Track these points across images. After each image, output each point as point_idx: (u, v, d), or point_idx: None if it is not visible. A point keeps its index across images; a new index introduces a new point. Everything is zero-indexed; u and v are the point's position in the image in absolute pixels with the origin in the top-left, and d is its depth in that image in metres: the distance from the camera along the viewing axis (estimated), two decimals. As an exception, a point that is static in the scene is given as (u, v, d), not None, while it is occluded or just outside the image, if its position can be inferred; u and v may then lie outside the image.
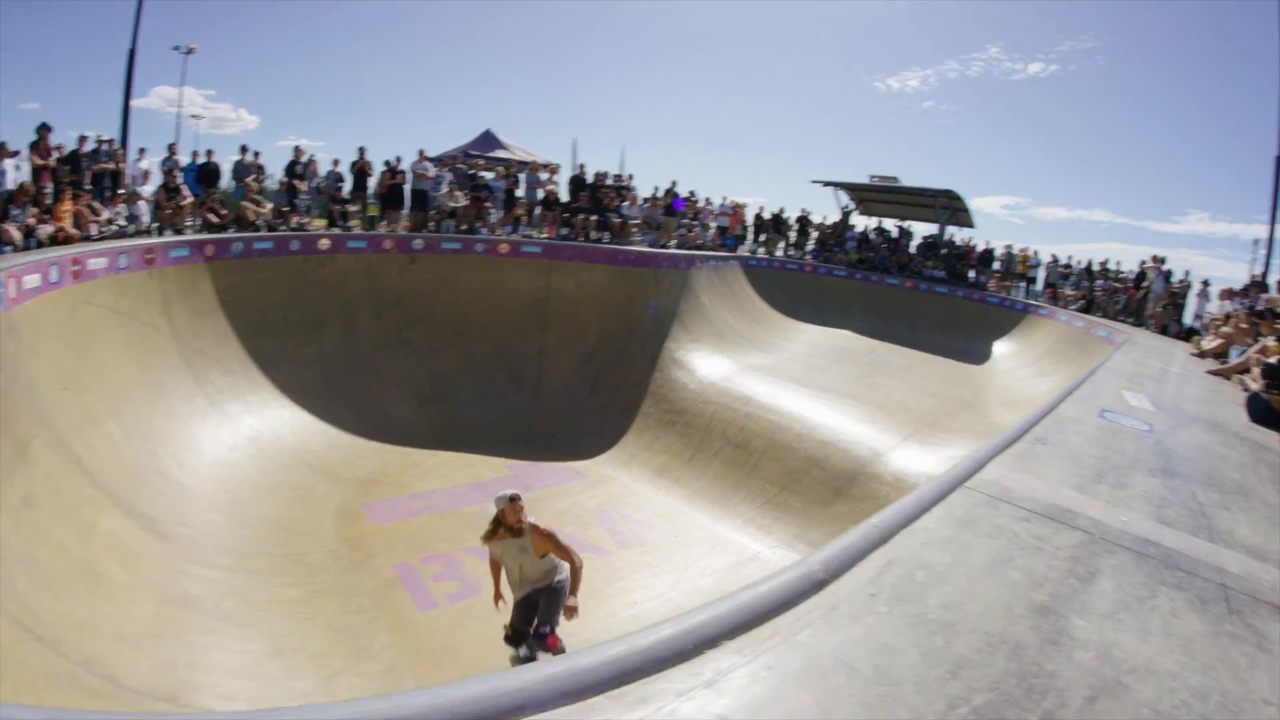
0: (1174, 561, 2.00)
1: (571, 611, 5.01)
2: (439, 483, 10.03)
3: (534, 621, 5.32)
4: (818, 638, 1.55)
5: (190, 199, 11.42)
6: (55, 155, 10.54)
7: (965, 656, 1.47)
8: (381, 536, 8.32)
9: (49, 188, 9.73)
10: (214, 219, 11.34)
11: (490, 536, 5.40)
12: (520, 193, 16.47)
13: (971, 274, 20.69)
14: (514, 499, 5.27)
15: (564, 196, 17.15)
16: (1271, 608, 1.83)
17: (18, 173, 9.82)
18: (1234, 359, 8.84)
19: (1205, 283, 16.40)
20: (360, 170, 14.39)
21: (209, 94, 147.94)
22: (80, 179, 10.52)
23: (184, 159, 12.45)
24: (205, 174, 12.38)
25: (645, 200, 18.87)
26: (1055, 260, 20.05)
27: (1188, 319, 16.10)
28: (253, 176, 12.93)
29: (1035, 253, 20.53)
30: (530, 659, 5.26)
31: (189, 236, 10.71)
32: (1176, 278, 16.84)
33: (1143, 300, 16.97)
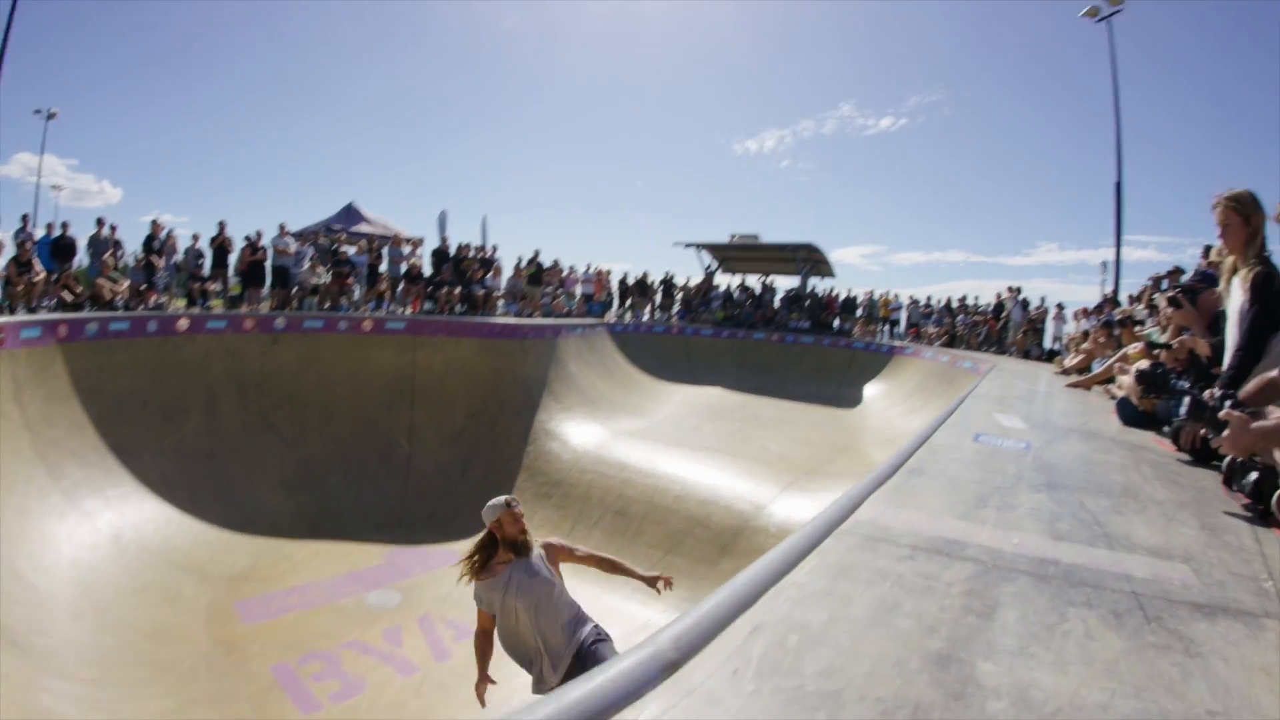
0: (1077, 577, 1.95)
1: (662, 580, 4.16)
2: (313, 575, 9.87)
3: None
4: (670, 734, 1.29)
5: (43, 274, 10.86)
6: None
7: (856, 731, 1.32)
8: (256, 636, 8.10)
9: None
10: (68, 297, 10.83)
11: (477, 570, 3.92)
12: (383, 268, 16.61)
13: (836, 322, 22.46)
14: (510, 503, 4.05)
15: (427, 270, 17.45)
16: (1189, 607, 1.82)
17: None
18: (1096, 371, 9.37)
19: (1060, 306, 18.15)
20: (220, 246, 14.09)
21: (72, 163, 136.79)
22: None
23: (38, 231, 11.82)
24: (60, 248, 11.80)
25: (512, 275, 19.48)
26: (915, 301, 22.08)
27: (1048, 342, 17.92)
28: (109, 252, 12.39)
29: (896, 296, 22.59)
30: None
31: (41, 316, 10.17)
32: (1033, 305, 18.56)
33: (1003, 329, 18.67)
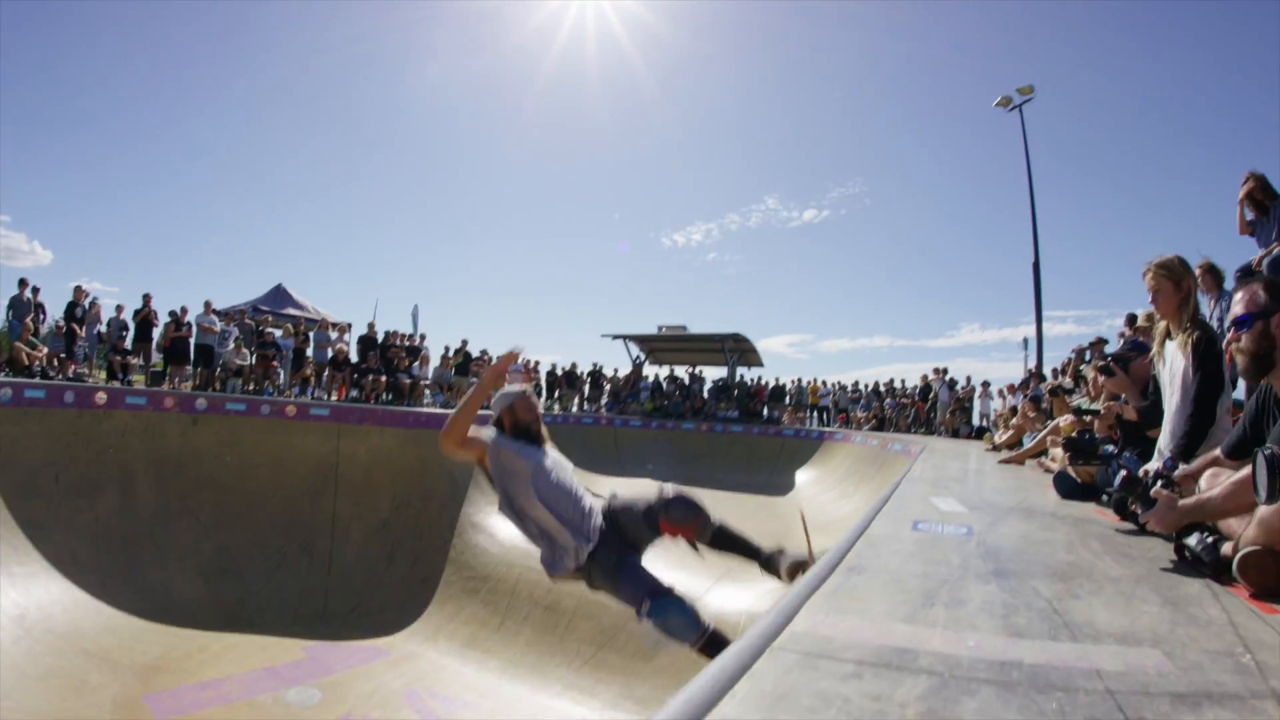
0: (1045, 680, 1.77)
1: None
2: (229, 669, 9.40)
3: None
4: None
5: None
6: None
7: None
8: (168, 732, 7.75)
9: None
10: (-16, 359, 10.38)
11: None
12: (310, 352, 16.49)
13: (765, 410, 22.96)
14: (525, 392, 4.25)
15: (354, 356, 17.39)
16: (1170, 698, 1.69)
17: None
18: (1028, 445, 9.54)
19: (986, 384, 18.85)
20: (145, 320, 13.75)
21: (3, 220, 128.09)
22: None
23: (-42, 287, 11.34)
24: (-21, 307, 11.33)
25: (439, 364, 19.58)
26: (843, 387, 22.78)
27: (976, 419, 18.50)
28: (30, 316, 11.94)
29: (824, 383, 23.33)
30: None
31: (-51, 379, 9.72)
32: (959, 384, 19.38)
33: (931, 410, 19.33)
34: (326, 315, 18.96)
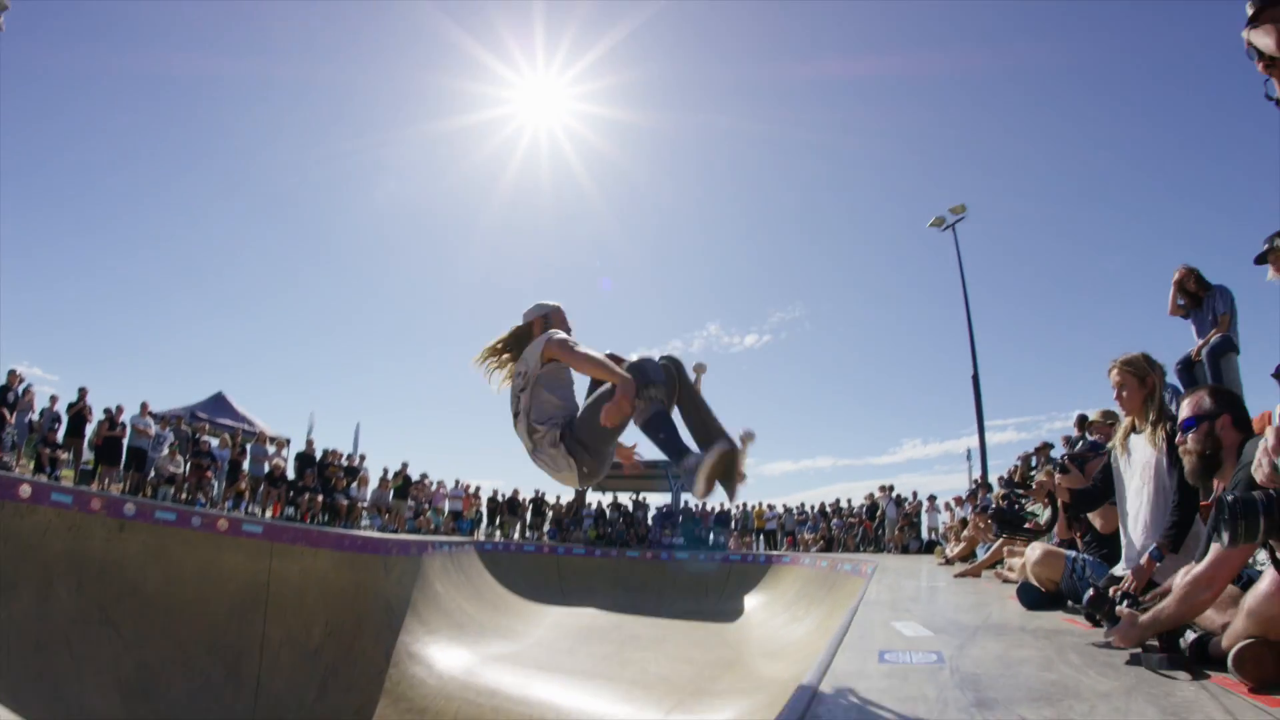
0: None
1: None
2: (142, 801, 8.46)
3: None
4: None
5: None
6: None
7: None
8: None
9: None
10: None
11: (500, 359, 4.16)
12: (246, 465, 15.84)
13: (710, 536, 22.67)
14: (560, 307, 4.25)
15: (291, 473, 16.76)
16: None
17: None
18: (981, 556, 9.72)
19: (932, 497, 19.29)
20: (79, 414, 13.06)
21: None
22: None
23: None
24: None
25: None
26: (789, 509, 22.74)
27: (925, 534, 18.53)
28: None
29: (769, 506, 23.25)
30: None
31: None
32: (906, 500, 19.56)
33: (879, 528, 19.35)
34: (265, 428, 18.39)
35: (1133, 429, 4.43)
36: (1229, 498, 2.46)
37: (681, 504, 24.84)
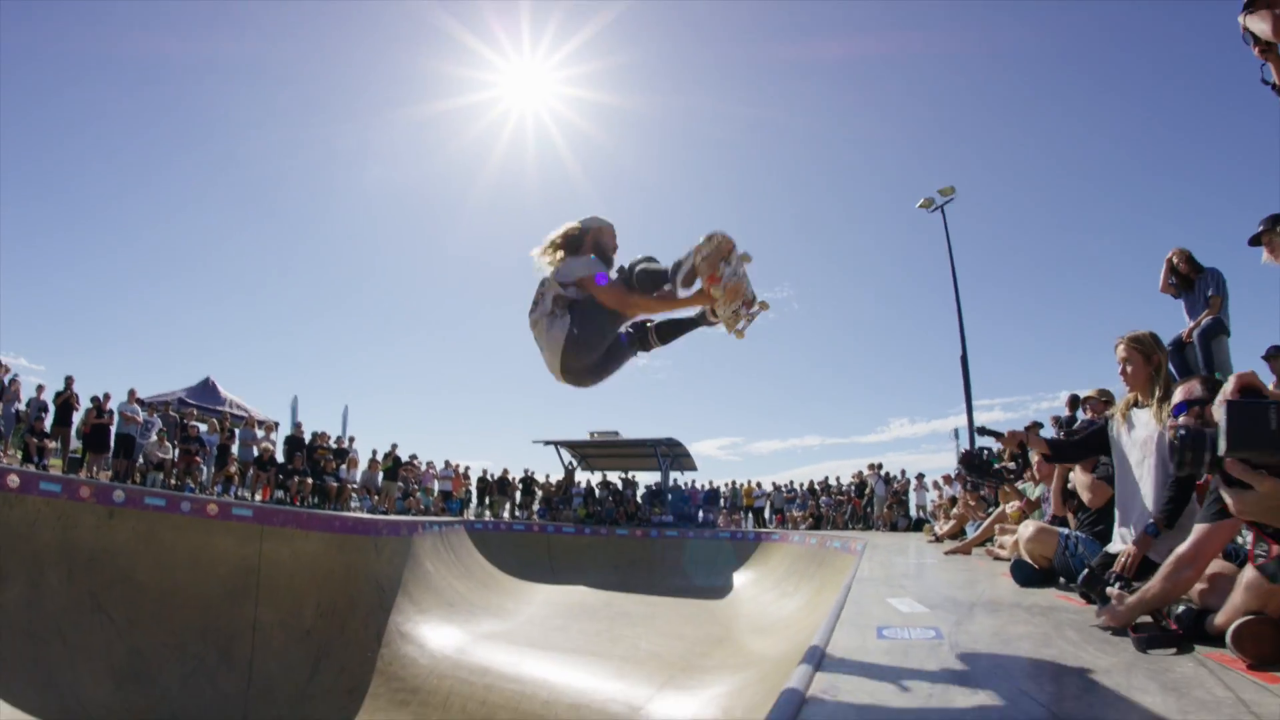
0: None
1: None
2: (138, 783, 8.71)
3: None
4: None
5: None
6: None
7: None
8: None
9: None
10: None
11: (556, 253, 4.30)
12: (235, 449, 15.99)
13: (700, 514, 22.95)
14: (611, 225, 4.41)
15: (280, 456, 16.91)
16: None
17: None
18: (971, 534, 9.92)
19: (920, 476, 19.59)
20: (66, 403, 13.16)
21: None
22: None
23: None
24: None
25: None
26: (778, 487, 22.99)
27: (913, 512, 18.78)
28: None
29: (758, 484, 23.51)
30: None
31: None
32: (895, 478, 19.83)
33: (868, 505, 19.64)
34: (254, 412, 18.51)
35: (1135, 403, 4.41)
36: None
37: (670, 482, 25.21)
